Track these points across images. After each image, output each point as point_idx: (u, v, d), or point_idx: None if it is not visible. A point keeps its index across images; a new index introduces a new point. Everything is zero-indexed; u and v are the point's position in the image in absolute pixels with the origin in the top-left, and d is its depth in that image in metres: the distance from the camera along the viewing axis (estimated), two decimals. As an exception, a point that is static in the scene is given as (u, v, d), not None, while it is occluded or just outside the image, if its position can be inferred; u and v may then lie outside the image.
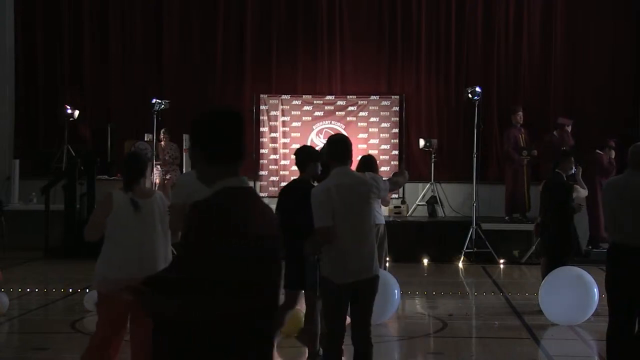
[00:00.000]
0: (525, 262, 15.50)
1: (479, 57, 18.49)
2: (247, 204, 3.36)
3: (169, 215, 6.61)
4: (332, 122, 18.21)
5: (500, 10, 18.53)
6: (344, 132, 17.65)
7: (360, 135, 17.91)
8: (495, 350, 9.19)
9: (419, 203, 17.74)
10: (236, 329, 3.21)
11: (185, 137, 17.97)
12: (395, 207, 17.29)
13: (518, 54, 18.54)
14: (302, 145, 8.63)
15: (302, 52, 18.69)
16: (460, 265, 15.59)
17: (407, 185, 17.95)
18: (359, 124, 18.20)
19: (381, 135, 18.15)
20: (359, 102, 18.27)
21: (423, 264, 15.56)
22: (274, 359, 3.54)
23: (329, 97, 18.39)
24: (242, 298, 3.19)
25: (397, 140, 18.11)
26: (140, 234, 6.41)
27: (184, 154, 17.96)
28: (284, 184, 18.21)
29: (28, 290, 12.33)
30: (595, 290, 9.94)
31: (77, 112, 17.91)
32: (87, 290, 11.03)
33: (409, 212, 17.64)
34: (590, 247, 15.55)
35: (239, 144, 3.44)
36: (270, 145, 18.28)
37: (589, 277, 10.07)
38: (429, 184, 17.79)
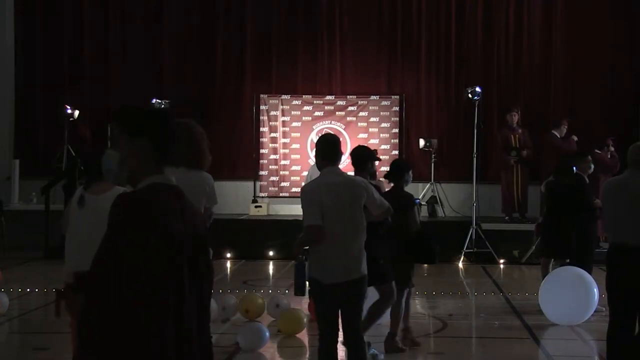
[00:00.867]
0: (525, 262, 15.50)
1: (479, 57, 18.48)
2: (172, 201, 3.37)
3: None
4: (332, 122, 18.20)
5: (501, 10, 18.53)
6: (344, 132, 17.72)
7: (360, 135, 17.91)
8: (495, 350, 9.19)
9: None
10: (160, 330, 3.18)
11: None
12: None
13: (518, 54, 18.54)
14: (358, 145, 8.85)
15: (302, 52, 18.69)
16: (460, 265, 15.59)
17: (408, 186, 17.93)
18: (359, 124, 18.20)
19: (381, 135, 18.15)
20: (359, 102, 18.27)
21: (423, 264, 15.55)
22: None
23: (329, 97, 18.39)
24: (158, 295, 3.18)
25: (397, 140, 18.11)
26: (85, 229, 6.01)
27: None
28: (284, 184, 18.30)
29: (28, 290, 12.33)
30: (595, 290, 9.95)
31: (77, 112, 17.91)
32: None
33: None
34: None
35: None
36: (270, 145, 18.28)
37: (589, 277, 10.07)
38: (429, 184, 17.80)
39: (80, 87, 18.81)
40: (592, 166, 11.56)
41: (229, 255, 15.69)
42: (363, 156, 8.04)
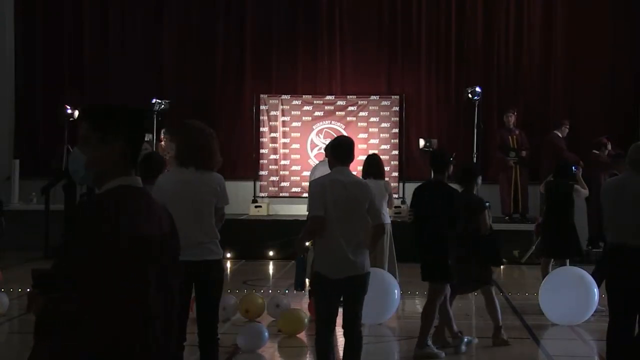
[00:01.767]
0: (525, 262, 15.50)
1: (479, 57, 18.48)
2: (140, 203, 3.26)
3: None
4: (332, 122, 18.20)
5: (501, 10, 18.52)
6: (344, 132, 17.70)
7: (360, 135, 17.90)
8: (495, 350, 9.19)
9: (419, 203, 17.71)
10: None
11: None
12: (395, 207, 17.27)
13: (518, 54, 18.53)
14: (436, 148, 9.44)
15: (302, 52, 18.69)
16: (460, 265, 15.57)
17: (407, 185, 17.96)
18: (359, 124, 18.20)
19: (381, 135, 18.15)
20: (359, 102, 18.27)
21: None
22: None
23: (329, 97, 18.39)
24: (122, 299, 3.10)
25: (397, 140, 18.11)
26: None
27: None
28: (284, 184, 18.30)
29: (28, 290, 12.31)
30: (595, 290, 9.95)
31: (77, 112, 17.90)
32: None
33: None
34: (590, 247, 15.55)
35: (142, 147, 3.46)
36: (270, 145, 18.28)
37: (589, 277, 10.07)
38: (428, 184, 17.77)
39: (80, 87, 18.80)
40: (577, 167, 11.67)
41: (229, 255, 15.68)
42: (441, 159, 8.65)
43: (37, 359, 3.18)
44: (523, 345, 9.50)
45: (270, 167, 18.26)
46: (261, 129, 18.26)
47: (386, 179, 11.47)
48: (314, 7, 18.67)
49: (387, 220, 10.58)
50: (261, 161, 18.19)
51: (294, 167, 18.21)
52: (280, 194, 18.19)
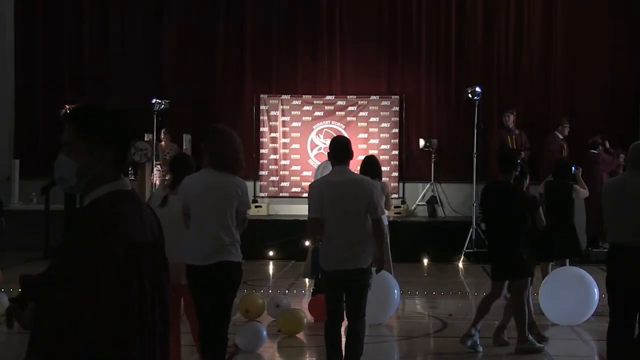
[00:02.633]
0: (525, 262, 15.47)
1: (479, 57, 18.48)
2: (132, 208, 3.21)
3: None
4: (332, 122, 18.20)
5: (501, 10, 18.52)
6: (344, 132, 17.70)
7: (360, 135, 17.91)
8: (495, 351, 9.19)
9: (419, 203, 17.74)
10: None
11: (186, 137, 17.98)
12: (395, 207, 17.28)
13: (518, 54, 18.53)
14: (507, 150, 9.73)
15: (302, 52, 18.69)
16: (460, 265, 15.59)
17: (407, 185, 17.99)
18: (359, 124, 18.19)
19: (381, 135, 18.14)
20: (359, 102, 18.27)
21: (423, 264, 15.56)
22: None
23: (329, 97, 18.39)
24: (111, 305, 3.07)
25: (397, 140, 18.11)
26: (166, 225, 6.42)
27: (184, 154, 17.97)
28: (284, 184, 18.30)
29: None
30: (595, 290, 9.95)
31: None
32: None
33: (409, 212, 17.65)
34: (590, 247, 15.55)
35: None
36: (270, 145, 18.28)
37: (589, 277, 10.07)
38: (429, 184, 17.80)
39: (80, 87, 18.80)
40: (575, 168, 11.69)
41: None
42: (508, 160, 8.96)
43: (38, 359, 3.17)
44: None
45: (270, 167, 18.25)
46: (261, 129, 18.26)
47: (384, 179, 11.48)
48: (314, 7, 18.67)
49: (385, 222, 10.55)
50: (261, 161, 18.19)
51: (294, 167, 18.21)
52: (280, 194, 18.19)
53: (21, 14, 19.08)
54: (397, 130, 18.16)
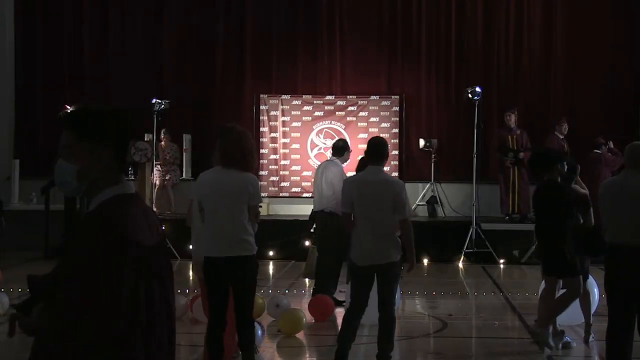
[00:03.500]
0: (525, 262, 15.50)
1: (479, 57, 18.48)
2: (137, 212, 3.17)
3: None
4: (332, 122, 18.20)
5: (501, 10, 18.53)
6: (344, 132, 17.72)
7: (360, 135, 17.90)
8: (495, 350, 9.19)
9: (419, 203, 17.74)
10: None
11: (186, 137, 17.99)
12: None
13: (518, 54, 18.54)
14: (544, 149, 9.78)
15: (302, 52, 18.69)
16: (460, 265, 15.59)
17: (407, 185, 17.85)
18: (359, 124, 18.20)
19: (381, 135, 18.11)
20: (359, 102, 18.27)
21: (423, 264, 15.56)
22: None
23: (329, 97, 18.39)
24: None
25: (397, 140, 18.11)
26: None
27: (184, 154, 17.96)
28: (284, 184, 18.30)
29: (28, 290, 12.30)
30: (595, 290, 9.94)
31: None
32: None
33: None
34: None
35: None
36: (270, 145, 18.28)
37: (589, 277, 10.04)
38: (429, 184, 17.80)
39: (80, 87, 18.80)
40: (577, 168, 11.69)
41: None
42: (551, 159, 8.92)
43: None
44: (523, 345, 9.50)
45: (270, 167, 18.26)
46: (261, 129, 18.26)
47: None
48: (314, 7, 18.67)
49: None
50: (261, 161, 18.18)
51: (294, 167, 18.21)
52: (280, 194, 18.20)
53: (21, 14, 19.08)
54: (397, 130, 18.17)
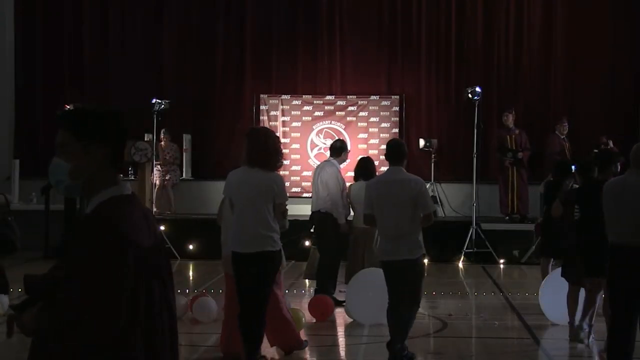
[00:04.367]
0: (525, 262, 15.50)
1: (479, 57, 18.48)
2: (135, 213, 3.17)
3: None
4: (332, 122, 18.20)
5: (501, 10, 18.53)
6: (344, 132, 17.72)
7: (360, 135, 17.91)
8: (495, 350, 9.19)
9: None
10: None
11: (186, 137, 17.99)
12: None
13: (518, 54, 18.54)
14: (604, 148, 9.95)
15: (302, 52, 18.69)
16: (460, 265, 15.59)
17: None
18: (359, 124, 18.20)
19: (381, 135, 18.13)
20: (359, 102, 18.27)
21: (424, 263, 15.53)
22: None
23: (329, 97, 18.39)
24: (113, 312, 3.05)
25: (397, 140, 18.08)
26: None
27: (184, 154, 17.96)
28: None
29: (25, 290, 12.28)
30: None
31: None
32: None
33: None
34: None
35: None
36: (270, 145, 18.24)
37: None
38: (429, 184, 17.73)
39: (80, 87, 18.81)
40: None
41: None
42: (605, 159, 9.03)
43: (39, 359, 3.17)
44: (523, 345, 9.51)
45: (270, 167, 18.22)
46: (261, 129, 18.24)
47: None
48: (314, 7, 18.67)
49: None
50: (261, 161, 18.15)
51: (294, 167, 18.20)
52: (280, 194, 18.16)
53: (21, 14, 19.08)
54: (397, 130, 18.16)
